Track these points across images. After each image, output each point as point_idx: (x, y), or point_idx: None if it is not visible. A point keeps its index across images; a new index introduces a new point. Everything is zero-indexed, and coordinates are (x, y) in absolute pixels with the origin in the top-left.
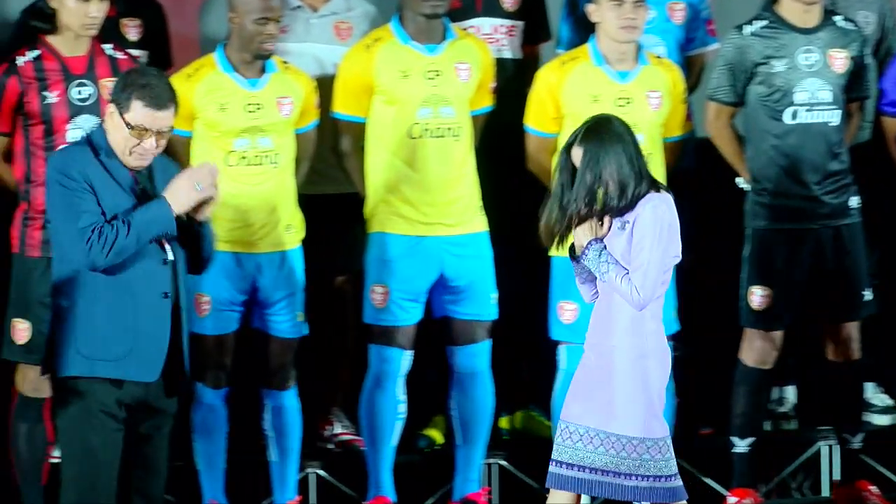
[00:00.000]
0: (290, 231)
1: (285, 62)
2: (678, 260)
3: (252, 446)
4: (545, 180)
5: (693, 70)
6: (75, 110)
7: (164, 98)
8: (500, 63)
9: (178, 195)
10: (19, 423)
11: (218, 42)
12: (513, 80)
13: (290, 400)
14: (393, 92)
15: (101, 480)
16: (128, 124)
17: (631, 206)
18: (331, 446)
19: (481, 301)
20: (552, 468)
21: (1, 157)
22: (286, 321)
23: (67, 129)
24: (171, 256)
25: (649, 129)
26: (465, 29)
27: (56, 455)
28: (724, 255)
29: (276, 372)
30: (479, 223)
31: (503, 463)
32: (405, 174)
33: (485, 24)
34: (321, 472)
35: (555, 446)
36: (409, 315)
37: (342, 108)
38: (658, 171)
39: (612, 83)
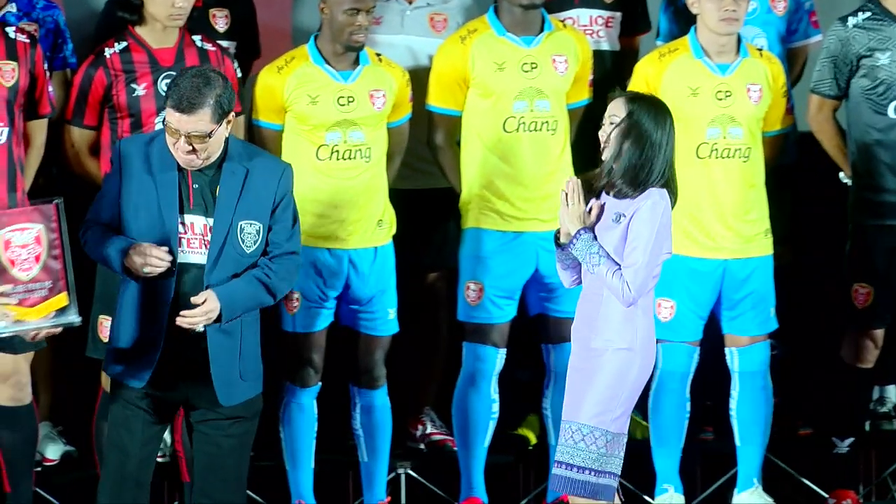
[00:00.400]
0: (382, 227)
1: (378, 54)
2: (669, 256)
3: (341, 446)
4: None
5: (795, 62)
6: (163, 103)
7: (192, 102)
8: (598, 55)
9: (132, 259)
10: (103, 421)
11: (310, 34)
12: (610, 73)
13: (381, 399)
14: (488, 85)
15: (127, 474)
16: (167, 126)
17: (631, 197)
18: (422, 446)
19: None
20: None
21: (87, 150)
22: (377, 319)
23: (155, 122)
24: (192, 260)
25: (749, 122)
26: (562, 20)
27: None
28: (825, 252)
29: (367, 370)
30: None
31: None
32: (500, 169)
33: (582, 16)
34: (412, 473)
35: (558, 447)
36: (503, 312)
37: (436, 101)
38: (758, 166)
39: (712, 76)
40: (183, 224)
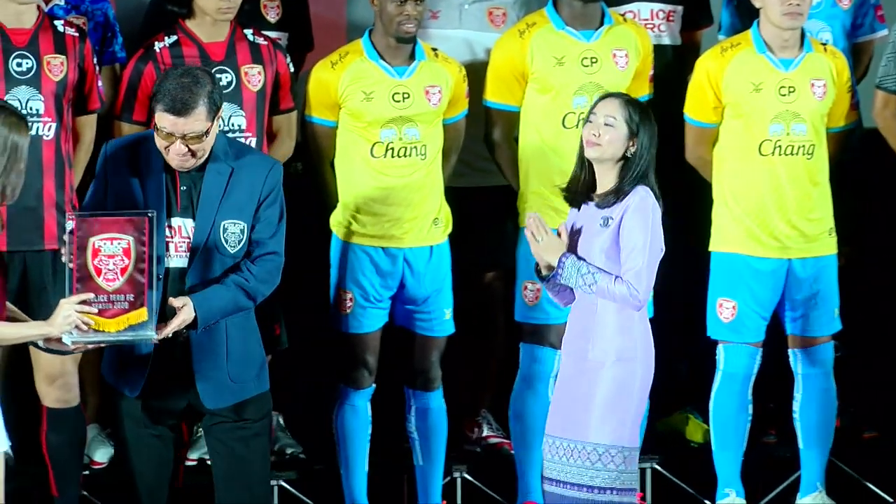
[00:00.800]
0: (438, 225)
1: (435, 49)
2: (663, 253)
3: (396, 449)
4: (705, 172)
5: (860, 58)
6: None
7: (186, 103)
8: (659, 50)
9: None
10: None
11: (364, 28)
12: (671, 68)
13: (437, 401)
14: (547, 80)
15: (139, 483)
16: (155, 127)
17: (618, 199)
18: (478, 449)
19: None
20: (543, 486)
21: None
22: (433, 319)
23: None
24: (178, 264)
25: (813, 118)
26: (622, 14)
27: (191, 458)
28: (891, 251)
29: (422, 372)
30: None
31: (657, 467)
32: (559, 166)
33: (643, 9)
34: (468, 476)
35: (544, 462)
36: (562, 313)
37: (494, 96)
38: (822, 163)
39: (775, 71)
40: (170, 227)
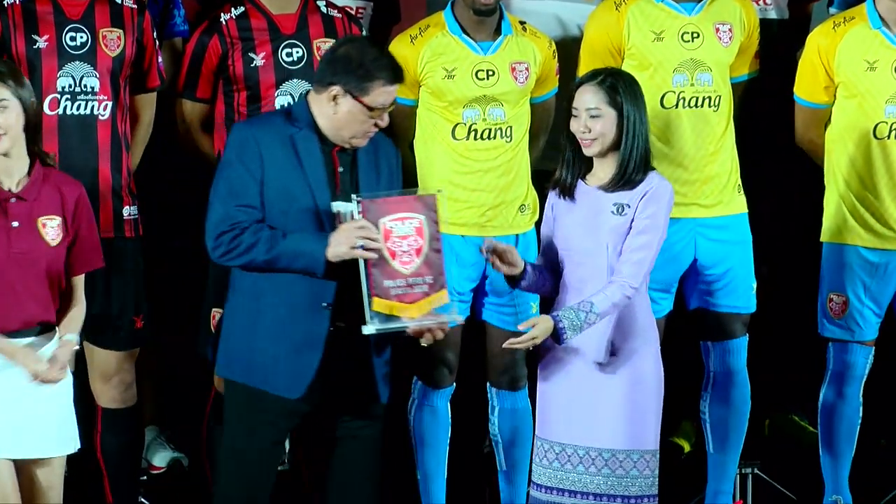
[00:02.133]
0: (525, 212)
1: (523, 22)
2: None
3: (476, 453)
4: (816, 156)
5: None
6: (284, 74)
7: (401, 70)
8: (765, 25)
9: (339, 244)
10: (215, 426)
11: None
12: (778, 44)
13: (522, 401)
14: (644, 56)
15: (252, 494)
16: (368, 107)
17: (632, 187)
18: None
19: (740, 292)
20: (531, 491)
21: (199, 126)
22: (520, 313)
23: (275, 95)
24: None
25: None
26: None
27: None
28: None
29: (507, 370)
30: (738, 204)
31: (759, 472)
32: (657, 148)
33: None
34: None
35: (533, 467)
36: (659, 307)
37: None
38: None
39: (891, 48)
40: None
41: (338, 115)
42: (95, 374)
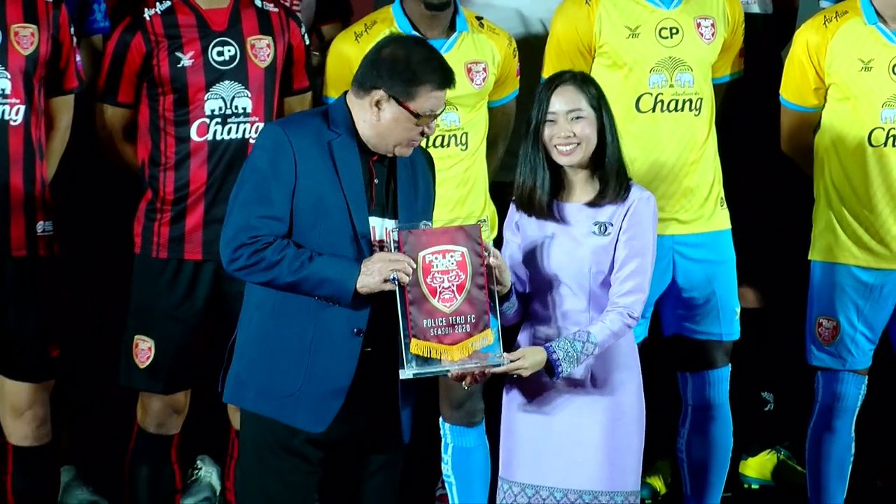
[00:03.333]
0: (482, 227)
1: (479, 18)
2: None
3: (428, 497)
4: (804, 165)
5: None
6: (214, 76)
7: (451, 72)
8: (748, 19)
9: (371, 274)
10: (139, 465)
11: None
12: (761, 41)
13: (479, 438)
14: (618, 54)
15: None
16: (415, 114)
17: (613, 201)
18: None
19: (722, 317)
20: None
21: (122, 133)
22: None
23: (204, 98)
24: None
25: None
26: None
27: None
28: None
29: (462, 403)
30: (721, 219)
31: None
32: (631, 157)
33: None
34: None
35: None
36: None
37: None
38: None
39: (889, 46)
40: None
41: (381, 122)
42: (6, 408)
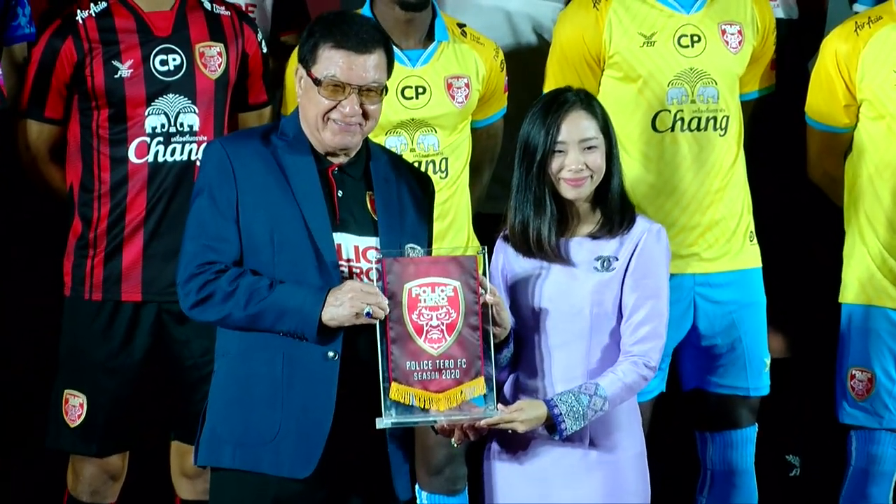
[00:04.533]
0: None
1: (462, 25)
2: None
3: None
4: (833, 193)
5: None
6: (157, 88)
7: (365, 37)
8: None
9: (341, 305)
10: None
11: None
12: (785, 50)
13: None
14: (631, 65)
15: None
16: (315, 80)
17: (615, 233)
18: None
19: (749, 368)
20: None
21: (48, 153)
22: None
23: (145, 114)
24: None
25: None
26: None
27: None
28: None
29: (442, 469)
30: (750, 256)
31: None
32: (647, 182)
33: None
34: None
35: None
36: (646, 387)
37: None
38: None
39: None
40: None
41: (301, 102)
42: None
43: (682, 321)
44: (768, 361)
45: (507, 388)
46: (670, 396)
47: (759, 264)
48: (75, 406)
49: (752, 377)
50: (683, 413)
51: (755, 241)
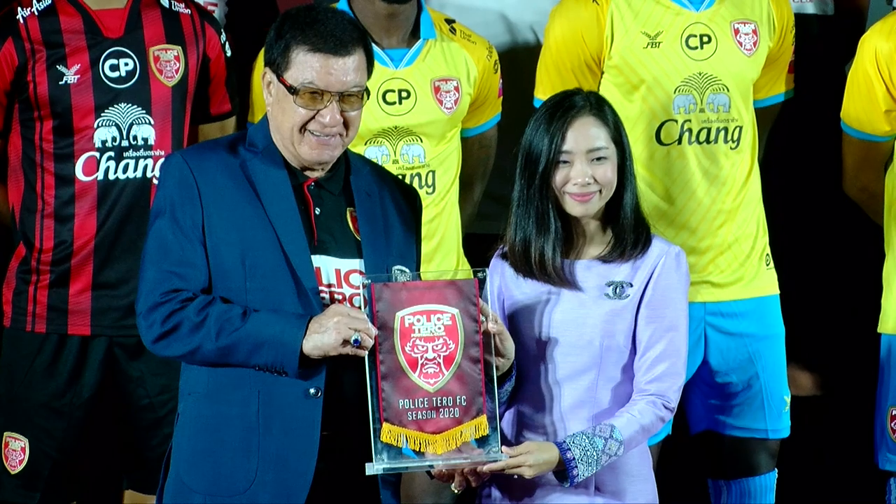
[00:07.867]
0: None
1: (451, 22)
2: None
3: None
4: (872, 210)
5: None
6: (107, 96)
7: (343, 36)
8: (800, 22)
9: (325, 332)
10: None
11: None
12: (818, 50)
13: None
14: (634, 68)
15: None
16: (290, 88)
17: (629, 256)
18: None
19: (767, 408)
20: None
21: None
22: None
23: (94, 125)
24: None
25: None
26: None
27: None
28: None
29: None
30: (766, 282)
31: None
32: (651, 200)
33: None
34: None
35: None
36: None
37: (547, 94)
38: None
39: None
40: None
41: (272, 111)
42: None
43: (692, 356)
44: (788, 400)
45: (505, 425)
46: (676, 440)
47: (777, 291)
48: (16, 451)
49: (771, 418)
50: (691, 459)
51: (772, 265)
